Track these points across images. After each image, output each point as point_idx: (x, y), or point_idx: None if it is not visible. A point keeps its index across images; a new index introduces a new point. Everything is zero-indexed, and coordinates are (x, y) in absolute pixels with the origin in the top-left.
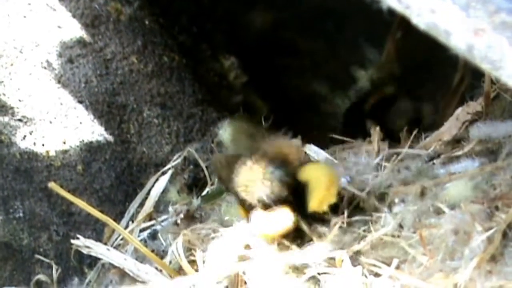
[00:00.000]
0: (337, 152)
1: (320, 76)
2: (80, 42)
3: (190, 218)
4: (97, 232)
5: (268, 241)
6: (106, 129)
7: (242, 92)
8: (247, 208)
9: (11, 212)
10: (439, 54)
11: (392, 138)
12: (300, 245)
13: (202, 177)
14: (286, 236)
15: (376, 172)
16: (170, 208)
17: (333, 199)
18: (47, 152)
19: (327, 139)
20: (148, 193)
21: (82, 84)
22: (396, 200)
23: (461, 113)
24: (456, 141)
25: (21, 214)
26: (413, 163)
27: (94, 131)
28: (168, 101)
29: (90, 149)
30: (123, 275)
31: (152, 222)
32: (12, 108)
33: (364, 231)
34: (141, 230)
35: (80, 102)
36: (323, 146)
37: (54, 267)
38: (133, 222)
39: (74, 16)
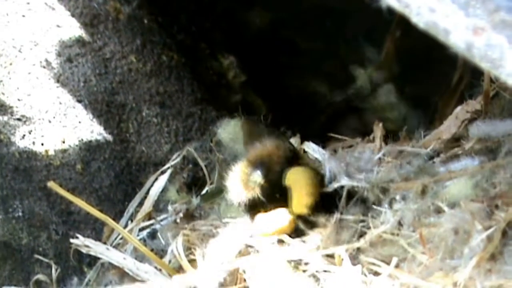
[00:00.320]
0: (339, 149)
1: (319, 75)
2: (79, 41)
3: (190, 217)
4: (97, 231)
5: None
6: (105, 128)
7: (241, 91)
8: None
9: (10, 212)
10: (438, 53)
11: None
12: (299, 242)
13: (201, 176)
14: (286, 233)
15: (378, 168)
16: (170, 207)
17: (311, 202)
18: (46, 151)
19: (325, 137)
20: (147, 192)
21: (81, 83)
22: (397, 197)
23: (461, 111)
24: (456, 140)
25: (20, 214)
26: (414, 159)
27: (93, 130)
28: (167, 100)
29: (89, 148)
30: (123, 274)
31: (152, 221)
32: (11, 107)
33: (363, 227)
34: (141, 229)
35: (79, 101)
36: (321, 144)
37: (54, 266)
38: (132, 221)
39: (73, 15)
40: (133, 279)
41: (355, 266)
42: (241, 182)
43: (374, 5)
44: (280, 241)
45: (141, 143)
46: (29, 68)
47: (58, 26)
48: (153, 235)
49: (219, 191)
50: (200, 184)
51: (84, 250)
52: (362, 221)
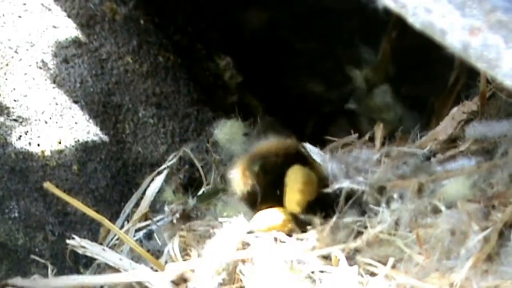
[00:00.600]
0: (338, 149)
1: (315, 76)
2: (75, 42)
3: (186, 218)
4: (93, 232)
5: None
6: (101, 129)
7: (238, 92)
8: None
9: (6, 212)
10: (434, 54)
11: None
12: (296, 242)
13: (197, 177)
14: (280, 231)
15: (376, 168)
16: (166, 208)
17: (302, 199)
18: (43, 152)
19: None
20: (144, 193)
21: (77, 84)
22: (395, 196)
23: (457, 112)
24: (452, 141)
25: (16, 214)
26: (412, 159)
27: (89, 131)
28: (163, 101)
29: (86, 149)
30: None
31: (148, 222)
32: (7, 108)
33: (359, 226)
34: (137, 230)
35: (76, 102)
36: (318, 145)
37: (50, 267)
38: (128, 222)
39: (69, 16)
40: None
41: (351, 266)
42: (240, 172)
43: (371, 6)
44: (277, 241)
45: (138, 144)
46: (25, 69)
47: (54, 27)
48: (149, 236)
49: (216, 192)
50: (196, 185)
51: (80, 251)
52: (359, 220)
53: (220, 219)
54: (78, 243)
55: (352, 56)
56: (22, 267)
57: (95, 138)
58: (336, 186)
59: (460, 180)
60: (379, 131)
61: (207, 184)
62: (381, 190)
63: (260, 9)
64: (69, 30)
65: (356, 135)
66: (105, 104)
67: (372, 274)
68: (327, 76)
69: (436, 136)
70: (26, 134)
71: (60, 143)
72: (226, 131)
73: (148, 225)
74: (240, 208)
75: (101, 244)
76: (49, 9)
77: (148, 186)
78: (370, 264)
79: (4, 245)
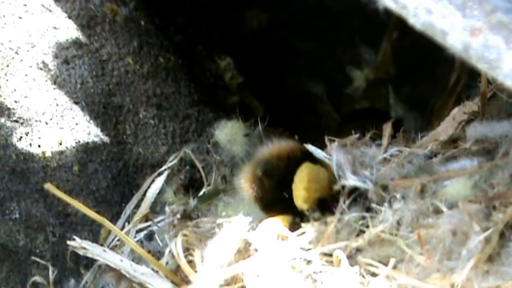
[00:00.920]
0: (348, 145)
1: (316, 76)
2: (76, 43)
3: (187, 218)
4: (94, 233)
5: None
6: (102, 130)
7: (238, 92)
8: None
9: (7, 213)
10: (435, 54)
11: None
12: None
13: (198, 177)
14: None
15: (381, 166)
16: (167, 209)
17: (308, 196)
18: (43, 153)
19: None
20: (144, 194)
21: (78, 85)
22: (397, 196)
23: (458, 113)
24: (453, 141)
25: (17, 215)
26: (415, 159)
27: (90, 132)
28: (164, 101)
29: (86, 150)
30: (120, 276)
31: (149, 223)
32: (8, 109)
33: (361, 225)
34: (138, 231)
35: (76, 103)
36: (319, 146)
37: (51, 268)
38: (129, 223)
39: (69, 17)
40: (130, 281)
41: (352, 267)
42: (245, 178)
43: (371, 6)
44: (278, 241)
45: (138, 145)
46: (26, 70)
47: (55, 28)
48: (150, 236)
49: (216, 192)
50: (197, 186)
51: (81, 252)
52: (362, 218)
53: (221, 219)
54: (79, 244)
55: (353, 57)
56: (22, 268)
57: (96, 139)
58: (343, 181)
59: (461, 181)
60: (387, 130)
61: (208, 185)
62: (385, 188)
63: (261, 9)
64: (70, 31)
65: (357, 135)
66: (106, 105)
67: (373, 275)
68: (328, 77)
69: (437, 137)
70: (27, 135)
71: (60, 144)
72: (227, 131)
73: (149, 226)
74: (241, 208)
75: (102, 245)
76: (50, 10)
77: (149, 187)
78: (371, 265)
79: (5, 246)
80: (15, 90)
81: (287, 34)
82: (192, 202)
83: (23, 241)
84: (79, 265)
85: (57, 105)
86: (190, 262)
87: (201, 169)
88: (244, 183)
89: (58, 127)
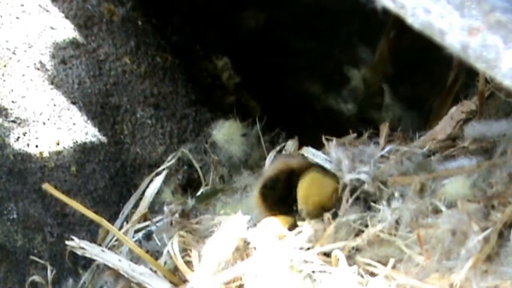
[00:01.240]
0: (346, 144)
1: (314, 76)
2: (73, 43)
3: (185, 218)
4: (92, 233)
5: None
6: (99, 130)
7: (236, 92)
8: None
9: (5, 214)
10: (433, 54)
11: None
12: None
13: (196, 177)
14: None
15: (380, 163)
16: (165, 209)
17: (312, 205)
18: (41, 153)
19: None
20: (143, 193)
21: (75, 85)
22: (396, 194)
23: (456, 112)
24: (451, 140)
25: (15, 216)
26: (413, 157)
27: (87, 132)
28: (161, 101)
29: (84, 150)
30: (118, 276)
31: (147, 223)
32: (5, 109)
33: (360, 224)
34: (136, 231)
35: (74, 103)
36: (317, 146)
37: (49, 268)
38: (127, 223)
39: (67, 17)
40: (128, 281)
41: (351, 266)
42: (255, 199)
43: (369, 6)
44: (277, 240)
45: (136, 145)
46: (23, 70)
47: (52, 28)
48: (148, 236)
49: (214, 192)
50: (195, 186)
51: (79, 252)
52: (361, 217)
53: (219, 217)
54: (77, 244)
55: (350, 57)
56: (21, 268)
57: (93, 139)
58: (344, 177)
59: (460, 180)
60: (384, 129)
61: (206, 185)
62: (384, 183)
63: (258, 9)
64: (67, 31)
65: (355, 134)
66: (103, 105)
67: (372, 274)
68: (325, 76)
69: (435, 136)
70: (24, 135)
71: (58, 144)
72: (225, 131)
73: (147, 226)
74: (239, 208)
75: (100, 245)
76: (47, 10)
77: (147, 187)
78: (370, 264)
79: (3, 246)
80: (12, 90)
81: (285, 34)
82: (190, 202)
83: (21, 241)
84: (77, 265)
85: (55, 105)
86: (188, 262)
87: (199, 169)
88: (255, 199)
89: (55, 127)
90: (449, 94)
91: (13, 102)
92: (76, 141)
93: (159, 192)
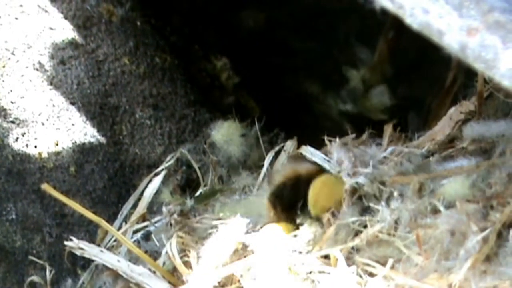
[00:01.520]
0: (349, 144)
1: (312, 76)
2: (72, 43)
3: (184, 218)
4: (90, 233)
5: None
6: (98, 131)
7: (235, 92)
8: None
9: (3, 214)
10: (432, 54)
11: None
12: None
13: (195, 178)
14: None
15: (381, 164)
16: (164, 209)
17: (320, 208)
18: (40, 153)
19: (320, 139)
20: (141, 194)
21: (74, 86)
22: (395, 194)
23: (454, 112)
24: (450, 141)
25: (13, 216)
26: (413, 157)
27: (86, 132)
28: (160, 102)
29: (83, 151)
30: (117, 276)
31: (146, 223)
32: (4, 110)
33: (359, 225)
34: (135, 232)
35: (73, 103)
36: (316, 146)
37: (48, 268)
38: (126, 223)
39: (66, 17)
40: (127, 281)
41: (350, 267)
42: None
43: (368, 6)
44: (275, 241)
45: (135, 145)
46: (22, 71)
47: (51, 28)
48: (147, 237)
49: (213, 192)
50: (194, 186)
51: (78, 253)
52: (360, 218)
53: (218, 220)
54: (76, 244)
55: (349, 57)
56: (19, 269)
57: (92, 140)
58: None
59: (459, 180)
60: (388, 130)
61: (205, 185)
62: (383, 184)
63: (257, 9)
64: (66, 31)
65: (354, 135)
66: (102, 105)
67: (371, 275)
68: (324, 77)
69: (433, 136)
70: (23, 136)
71: (57, 144)
72: (223, 132)
73: (146, 226)
74: (237, 209)
75: (98, 245)
76: (46, 11)
77: (146, 187)
78: (369, 265)
79: (2, 247)
80: (11, 91)
81: (284, 34)
82: (189, 202)
83: (20, 241)
84: (76, 266)
85: (54, 105)
86: (187, 263)
87: (197, 170)
88: (267, 207)
89: (54, 127)
90: (448, 95)
91: (12, 102)
92: (75, 142)
93: (157, 193)
